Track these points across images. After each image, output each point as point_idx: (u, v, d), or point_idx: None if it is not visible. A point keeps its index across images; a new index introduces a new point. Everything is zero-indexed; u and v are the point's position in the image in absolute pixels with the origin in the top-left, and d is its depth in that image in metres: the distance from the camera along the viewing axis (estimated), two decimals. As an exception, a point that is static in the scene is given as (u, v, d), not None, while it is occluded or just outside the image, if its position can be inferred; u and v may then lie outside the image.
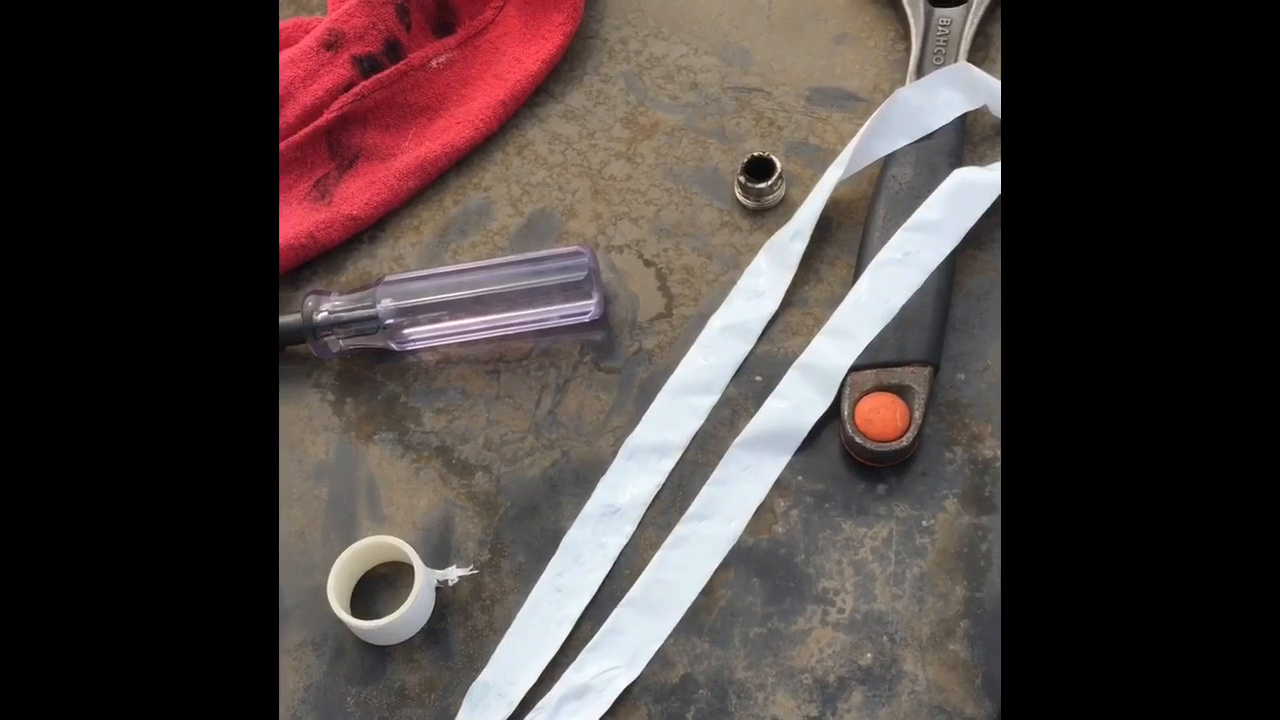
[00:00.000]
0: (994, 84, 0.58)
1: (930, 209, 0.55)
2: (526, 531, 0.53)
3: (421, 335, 0.56)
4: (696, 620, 0.50)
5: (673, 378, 0.55)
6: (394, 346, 0.57)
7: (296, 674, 0.50)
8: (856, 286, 0.55)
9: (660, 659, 0.50)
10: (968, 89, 0.59)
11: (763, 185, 0.58)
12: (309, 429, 0.56)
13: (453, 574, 0.51)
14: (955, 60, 0.60)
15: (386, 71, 0.61)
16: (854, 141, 0.57)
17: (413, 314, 0.55)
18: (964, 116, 0.59)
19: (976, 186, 0.56)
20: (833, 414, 0.53)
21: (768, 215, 0.59)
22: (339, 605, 0.50)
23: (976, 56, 0.62)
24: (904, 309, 0.54)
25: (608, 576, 0.52)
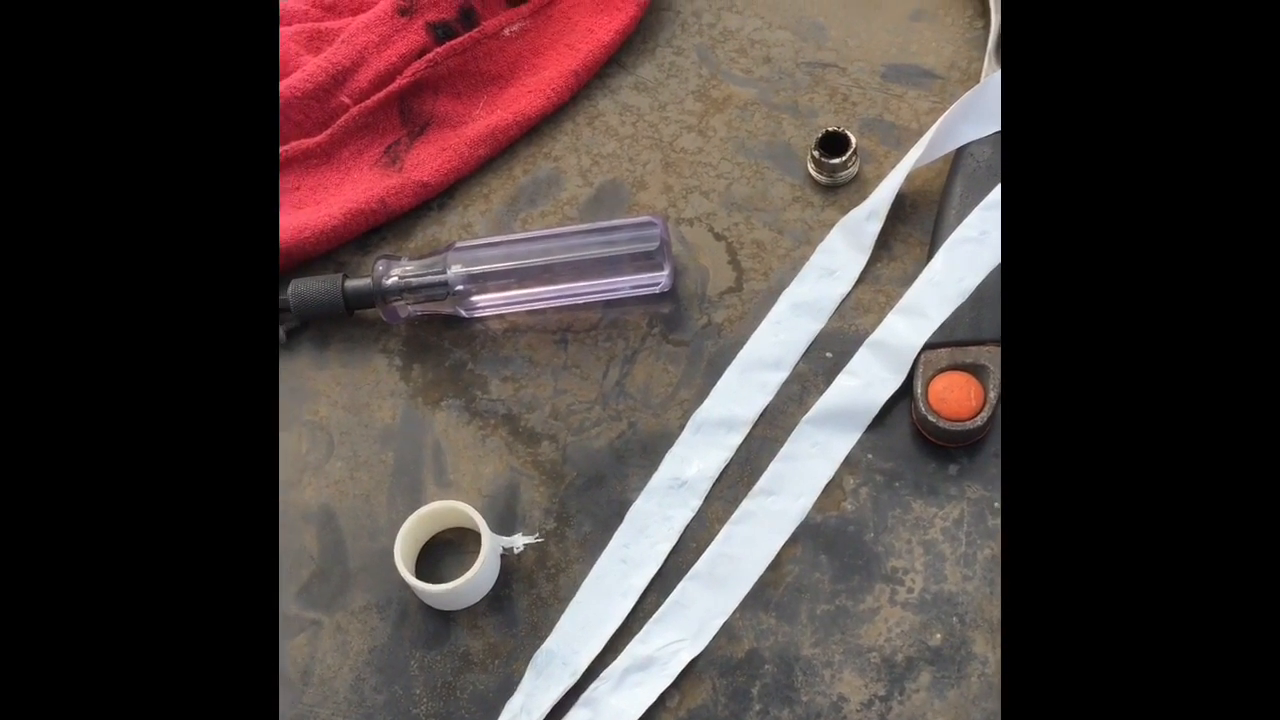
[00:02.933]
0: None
1: (1009, 188, 0.55)
2: (592, 501, 0.53)
3: (490, 302, 0.56)
4: (763, 596, 0.50)
5: (742, 352, 0.55)
6: (462, 313, 0.57)
7: (362, 636, 0.50)
8: (931, 264, 0.54)
9: (726, 633, 0.49)
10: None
11: (837, 161, 0.58)
12: (376, 393, 0.56)
13: (518, 541, 0.51)
14: (1035, 39, 0.59)
15: (460, 39, 0.61)
16: (938, 123, 0.56)
17: (482, 281, 0.55)
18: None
19: (1056, 167, 0.55)
20: (904, 392, 0.53)
21: (841, 191, 0.59)
22: (405, 568, 0.49)
23: (1056, 36, 0.60)
24: (980, 288, 0.53)
25: (674, 549, 0.51)
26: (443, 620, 0.51)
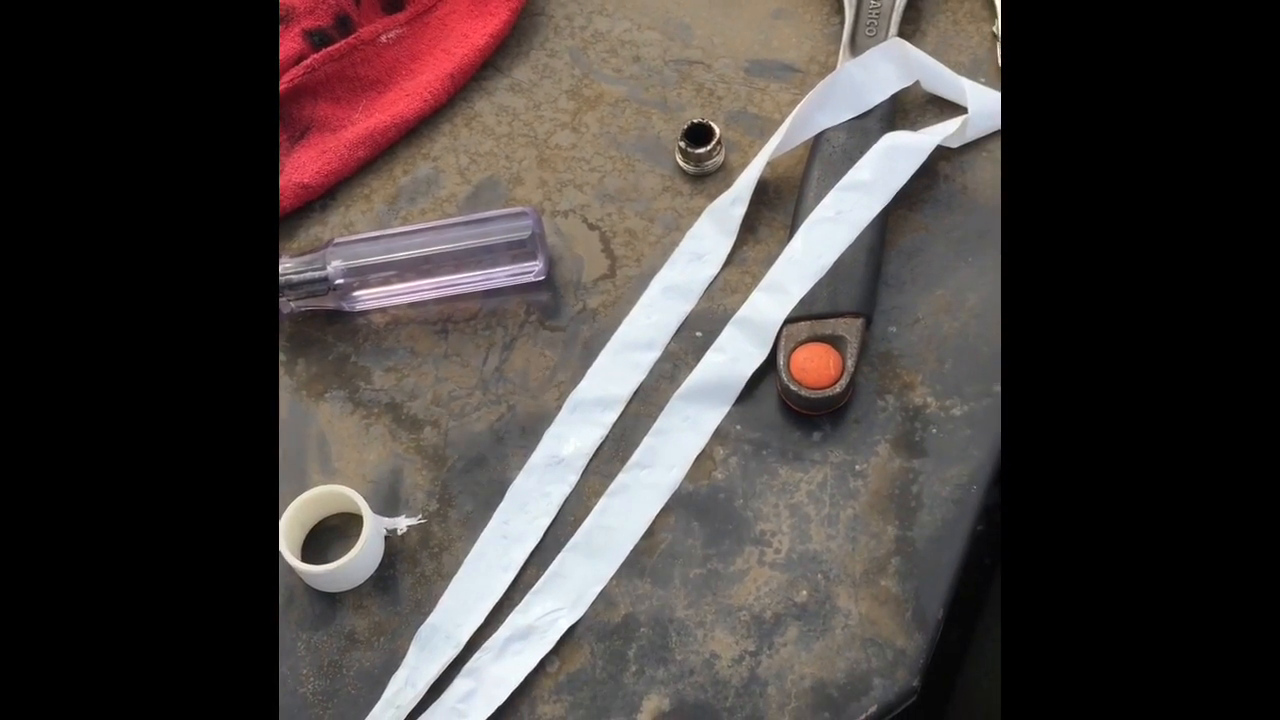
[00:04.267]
0: (926, 60, 0.60)
1: (862, 170, 0.58)
2: (474, 482, 0.54)
3: (371, 296, 0.58)
4: (638, 563, 0.52)
5: (616, 335, 0.57)
6: (345, 307, 0.58)
7: (248, 620, 0.52)
8: (791, 244, 0.57)
9: (603, 600, 0.51)
10: (903, 65, 0.61)
11: (702, 150, 0.60)
12: (261, 388, 0.57)
13: (401, 523, 0.52)
14: (887, 33, 0.63)
15: (336, 45, 0.63)
16: (795, 112, 0.59)
17: (362, 275, 0.57)
18: (895, 85, 0.61)
19: (906, 149, 0.58)
20: (770, 365, 0.55)
21: (708, 180, 0.61)
22: (289, 551, 0.51)
23: (907, 30, 0.64)
24: (837, 264, 0.56)
25: (552, 523, 0.53)
26: (329, 602, 0.52)
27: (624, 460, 0.54)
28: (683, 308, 0.58)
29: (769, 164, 0.59)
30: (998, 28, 0.63)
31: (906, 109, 0.62)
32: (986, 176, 0.60)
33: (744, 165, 0.61)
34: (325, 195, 0.62)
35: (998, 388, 0.54)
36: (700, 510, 0.53)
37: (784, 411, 0.55)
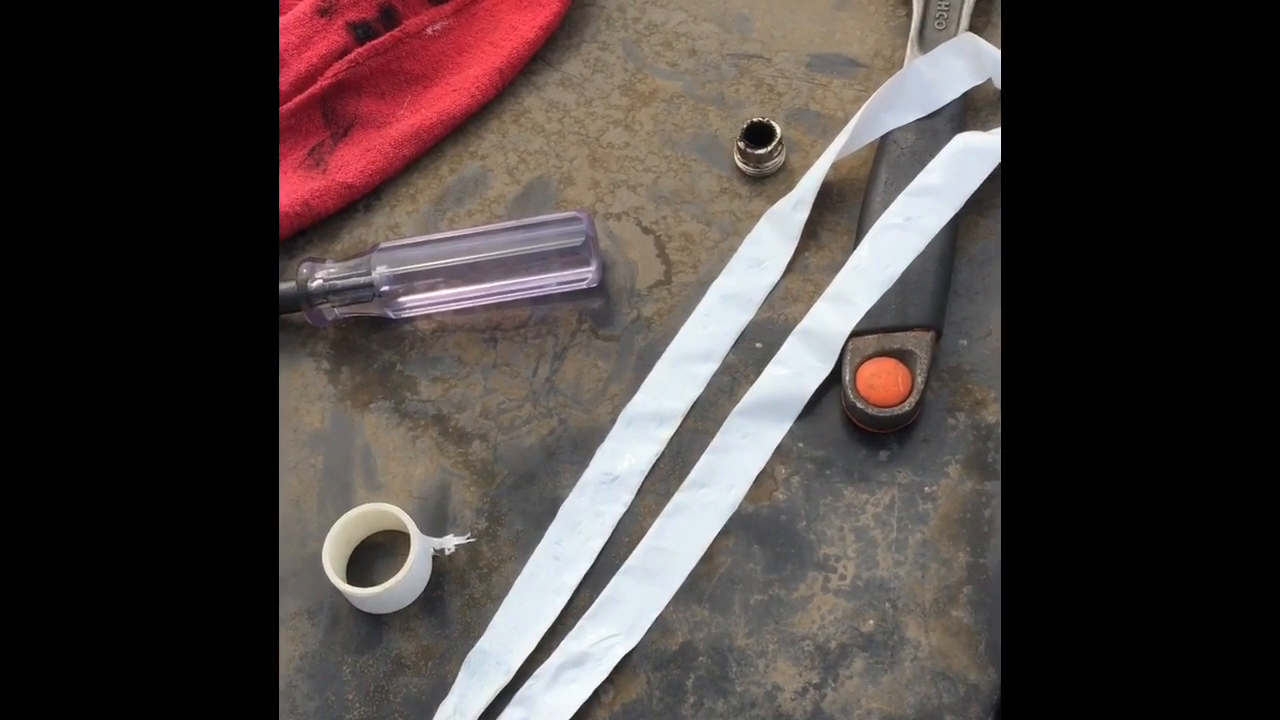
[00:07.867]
0: (1000, 56, 0.57)
1: (932, 174, 0.55)
2: (524, 500, 0.52)
3: (417, 303, 0.56)
4: (696, 587, 0.50)
5: (672, 345, 0.55)
6: (390, 314, 0.56)
7: (292, 643, 0.50)
8: (857, 252, 0.54)
9: (660, 626, 0.49)
10: (975, 61, 0.58)
11: (762, 151, 0.58)
12: (304, 398, 0.55)
13: (449, 542, 0.50)
14: (957, 26, 0.60)
15: (381, 38, 0.61)
16: (861, 111, 0.56)
17: (408, 281, 0.55)
18: (966, 82, 0.58)
19: (979, 151, 0.55)
20: (834, 380, 0.53)
21: (767, 182, 0.59)
22: (334, 572, 0.49)
23: (978, 23, 0.61)
24: (905, 274, 0.53)
25: (606, 544, 0.51)
26: (374, 624, 0.50)
27: (681, 478, 0.52)
28: (742, 317, 0.55)
29: (832, 165, 0.57)
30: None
31: (978, 108, 0.59)
32: (1062, 180, 0.57)
33: (805, 166, 0.58)
34: (369, 195, 0.60)
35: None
36: (761, 532, 0.51)
37: (849, 429, 0.52)
